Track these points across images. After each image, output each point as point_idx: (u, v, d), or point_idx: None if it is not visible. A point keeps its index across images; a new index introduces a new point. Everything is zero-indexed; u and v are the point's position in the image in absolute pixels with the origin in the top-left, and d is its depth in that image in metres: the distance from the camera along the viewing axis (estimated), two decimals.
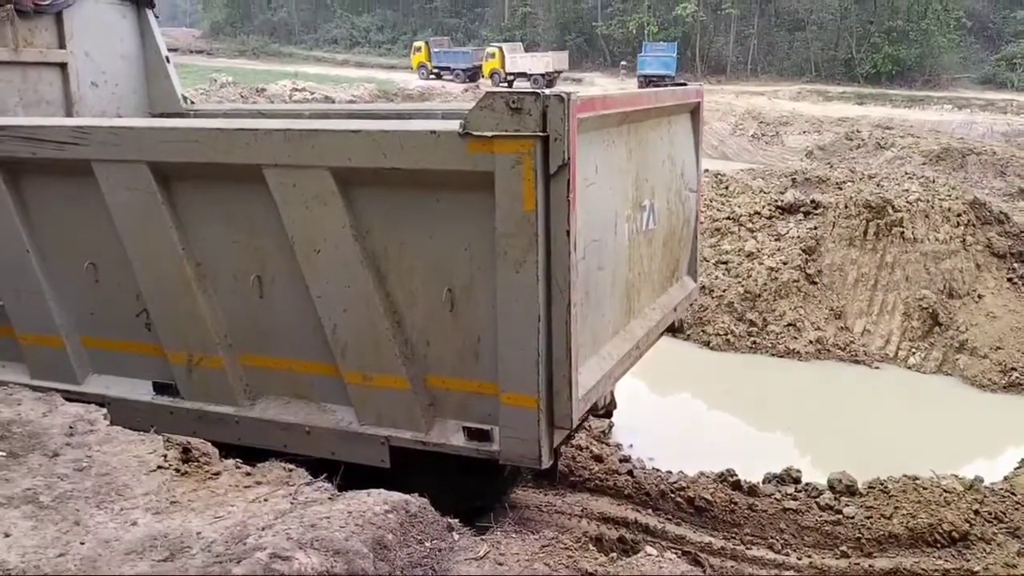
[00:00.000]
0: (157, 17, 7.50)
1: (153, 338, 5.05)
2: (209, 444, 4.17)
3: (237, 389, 4.91)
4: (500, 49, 53.62)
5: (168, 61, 7.47)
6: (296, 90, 39.17)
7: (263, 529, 3.26)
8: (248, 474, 3.97)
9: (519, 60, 52.76)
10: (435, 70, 56.15)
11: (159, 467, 3.90)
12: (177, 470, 3.92)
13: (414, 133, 4.12)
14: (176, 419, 4.96)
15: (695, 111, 6.10)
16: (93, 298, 5.20)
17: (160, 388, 5.14)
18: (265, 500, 3.61)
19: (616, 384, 5.10)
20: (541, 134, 3.79)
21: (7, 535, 3.28)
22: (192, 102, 7.61)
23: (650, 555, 3.40)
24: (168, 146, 4.66)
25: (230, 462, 4.08)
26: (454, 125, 3.98)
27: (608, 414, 6.02)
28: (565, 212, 3.86)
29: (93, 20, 7.04)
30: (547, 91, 3.87)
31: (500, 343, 4.06)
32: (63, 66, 6.85)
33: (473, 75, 53.56)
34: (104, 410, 4.47)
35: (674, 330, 6.02)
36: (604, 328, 4.64)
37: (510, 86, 47.79)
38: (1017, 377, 10.29)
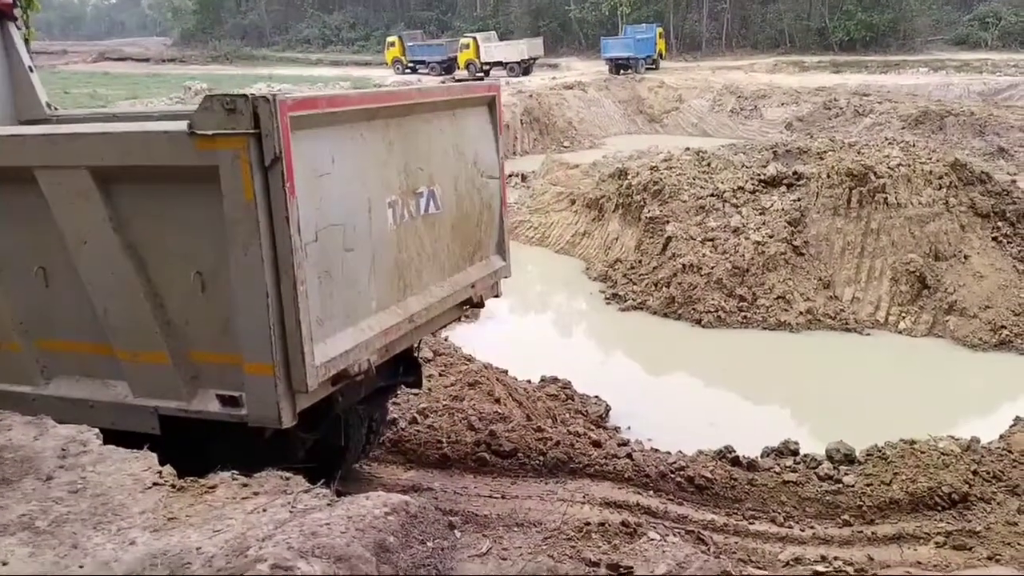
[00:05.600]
0: (20, 30, 7.54)
1: None
2: None
3: (33, 371, 5.41)
4: (474, 39, 53.22)
5: (32, 71, 7.61)
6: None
7: (263, 540, 3.24)
8: (245, 485, 3.95)
9: (494, 49, 52.47)
10: (410, 64, 55.79)
11: (155, 484, 3.87)
12: (173, 486, 3.89)
13: (151, 134, 4.65)
14: None
15: (492, 104, 6.57)
16: None
17: None
18: (264, 510, 3.59)
19: (387, 355, 5.48)
20: (253, 131, 4.25)
21: (5, 563, 3.24)
22: (56, 108, 7.77)
23: (653, 540, 3.40)
24: None
25: (226, 474, 4.06)
26: (183, 126, 4.42)
27: (417, 383, 6.59)
28: (283, 200, 4.32)
29: None
30: (258, 93, 4.34)
31: (239, 318, 4.55)
32: None
33: (449, 67, 53.26)
34: (96, 430, 4.47)
35: (474, 305, 6.49)
36: (363, 303, 5.11)
37: (486, 75, 47.49)
38: (1007, 334, 10.36)
